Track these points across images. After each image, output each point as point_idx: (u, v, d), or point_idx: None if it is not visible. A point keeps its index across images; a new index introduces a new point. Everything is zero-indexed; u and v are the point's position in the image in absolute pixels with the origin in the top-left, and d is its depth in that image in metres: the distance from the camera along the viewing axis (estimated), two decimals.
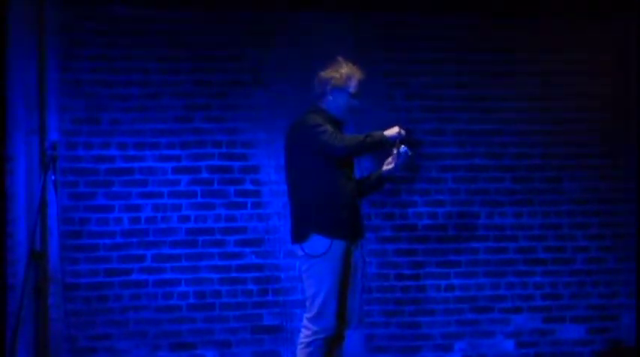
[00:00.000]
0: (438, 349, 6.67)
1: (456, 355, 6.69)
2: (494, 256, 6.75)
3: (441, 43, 6.68)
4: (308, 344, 5.04)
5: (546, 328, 6.79)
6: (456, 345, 6.70)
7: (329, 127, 5.01)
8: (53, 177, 5.86)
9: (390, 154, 5.25)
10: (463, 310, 6.71)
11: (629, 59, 6.86)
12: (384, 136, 5.06)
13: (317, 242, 5.01)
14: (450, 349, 6.69)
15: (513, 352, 6.74)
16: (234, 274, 6.51)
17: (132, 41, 6.37)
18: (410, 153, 5.20)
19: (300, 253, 5.08)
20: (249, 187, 6.55)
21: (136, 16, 6.36)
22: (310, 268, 5.04)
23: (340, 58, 5.19)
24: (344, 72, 5.13)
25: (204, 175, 6.49)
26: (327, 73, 5.15)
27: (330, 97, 5.14)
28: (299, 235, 5.08)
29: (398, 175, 5.32)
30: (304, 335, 5.06)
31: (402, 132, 5.09)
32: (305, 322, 5.07)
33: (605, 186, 6.86)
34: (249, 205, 6.54)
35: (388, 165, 5.25)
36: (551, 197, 6.81)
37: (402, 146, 5.16)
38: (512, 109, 6.75)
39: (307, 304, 5.08)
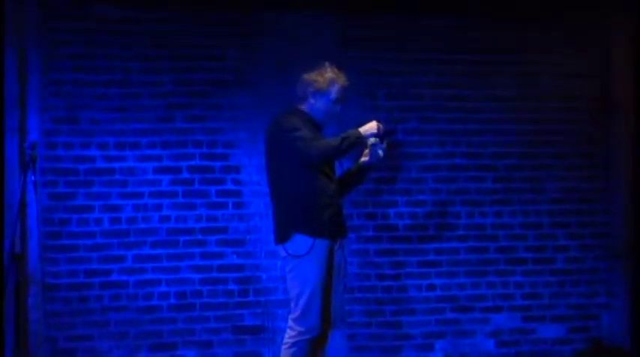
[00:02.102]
0: (419, 349, 6.68)
1: (437, 354, 6.70)
2: (474, 256, 6.77)
3: (424, 43, 6.70)
4: (292, 344, 5.03)
5: (527, 327, 6.82)
6: (437, 344, 6.71)
7: (304, 132, 4.98)
8: (33, 177, 5.81)
9: (364, 147, 5.25)
10: (444, 309, 6.72)
11: (609, 60, 6.90)
12: (361, 135, 5.03)
13: (300, 242, 5.01)
14: (431, 348, 6.70)
15: (494, 352, 6.77)
16: (215, 275, 6.49)
17: (113, 41, 6.34)
18: (383, 147, 5.18)
19: (283, 253, 5.08)
20: (230, 187, 6.54)
21: (118, 16, 6.34)
22: (294, 268, 5.03)
23: (326, 63, 5.17)
24: (327, 77, 5.11)
25: (185, 175, 6.48)
26: (310, 76, 5.13)
27: (312, 101, 5.13)
28: (282, 236, 5.07)
29: (377, 164, 5.29)
30: (289, 336, 5.05)
31: (381, 127, 5.06)
32: (290, 322, 5.06)
33: (585, 186, 6.90)
34: (230, 205, 6.53)
35: (365, 156, 5.26)
36: (531, 197, 6.84)
37: (375, 143, 5.15)
38: (493, 109, 6.78)
39: (292, 304, 5.08)
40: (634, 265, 6.88)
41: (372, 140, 5.14)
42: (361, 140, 5.04)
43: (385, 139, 5.19)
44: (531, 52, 6.81)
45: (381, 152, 5.18)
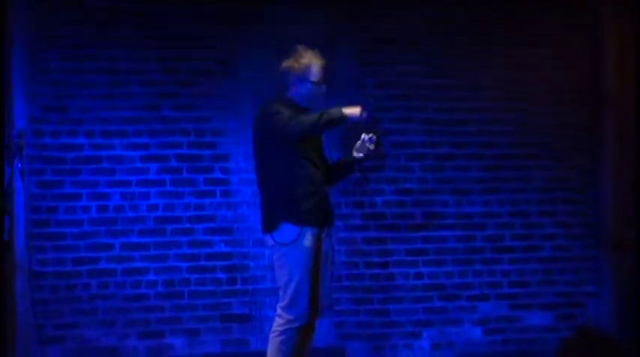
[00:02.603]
0: (407, 337, 6.70)
1: (424, 342, 6.72)
2: (462, 244, 6.79)
3: (413, 33, 6.69)
4: (281, 333, 5.03)
5: (513, 315, 6.84)
6: (424, 332, 6.73)
7: (286, 112, 4.96)
8: (20, 165, 5.80)
9: (357, 139, 5.23)
10: (431, 297, 6.74)
11: (598, 50, 6.91)
12: (343, 114, 4.95)
13: (287, 231, 5.00)
14: (419, 336, 6.72)
15: (481, 339, 6.79)
16: (203, 263, 6.50)
17: (101, 29, 6.32)
18: (374, 140, 5.16)
19: (270, 242, 5.07)
20: (218, 175, 6.53)
21: (107, 5, 6.31)
22: (282, 257, 5.03)
23: (300, 47, 5.14)
24: (303, 62, 5.08)
25: (173, 163, 6.47)
26: (287, 64, 5.11)
27: (295, 88, 5.11)
28: (269, 225, 5.06)
29: (369, 157, 5.27)
30: (277, 324, 5.05)
31: (364, 114, 5.02)
32: (278, 310, 5.06)
33: (573, 175, 6.91)
34: (218, 193, 6.53)
35: (357, 152, 5.25)
36: (518, 185, 6.85)
37: (365, 135, 5.13)
38: (481, 98, 6.78)
39: (280, 293, 5.07)
40: (620, 253, 6.90)
41: (365, 138, 5.12)
42: (342, 119, 4.96)
43: (376, 133, 5.17)
44: (520, 42, 6.81)
45: (370, 145, 5.16)
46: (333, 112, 4.95)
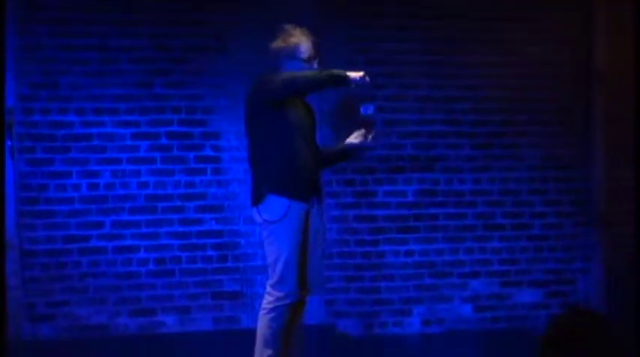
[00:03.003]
0: (397, 314, 6.72)
1: (414, 319, 6.75)
2: (453, 222, 6.80)
3: (404, 8, 6.67)
4: (270, 310, 5.02)
5: (504, 293, 6.87)
6: (414, 310, 6.75)
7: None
8: (10, 143, 5.77)
9: (355, 127, 5.21)
10: (422, 275, 6.76)
11: (590, 26, 6.90)
12: (345, 73, 4.91)
13: (274, 205, 4.96)
14: (409, 313, 6.75)
15: (471, 316, 6.82)
16: (193, 241, 6.49)
17: (91, 5, 6.27)
18: (372, 114, 5.14)
19: (258, 220, 5.04)
20: (208, 153, 6.51)
21: None
22: (270, 234, 5.01)
23: (287, 26, 5.10)
24: (292, 41, 5.05)
25: (164, 141, 6.45)
26: (276, 44, 5.08)
27: (286, 67, 5.09)
28: (256, 197, 5.02)
29: (364, 147, 5.25)
30: (267, 301, 5.04)
31: (367, 79, 5.01)
32: (268, 288, 5.05)
33: (564, 153, 6.93)
34: (208, 171, 6.52)
35: (355, 138, 5.22)
36: (510, 163, 6.86)
37: (364, 107, 5.11)
38: (473, 75, 6.77)
39: (269, 270, 5.07)
40: (610, 230, 6.94)
41: (363, 112, 5.09)
42: (344, 78, 4.94)
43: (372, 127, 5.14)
44: (512, 18, 6.79)
45: (368, 121, 5.13)
46: (336, 71, 4.94)
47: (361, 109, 5.21)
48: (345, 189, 6.66)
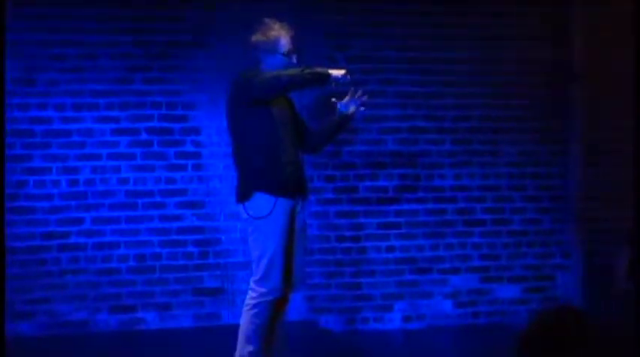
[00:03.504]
0: (378, 310, 6.73)
1: (395, 315, 6.76)
2: (433, 218, 6.82)
3: (383, 5, 6.67)
4: (254, 306, 5.03)
5: (484, 288, 6.90)
6: (395, 305, 6.76)
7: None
8: None
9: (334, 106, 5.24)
10: (403, 271, 6.77)
11: (568, 23, 6.93)
12: (327, 71, 4.97)
13: (261, 202, 4.98)
14: (390, 309, 6.76)
15: (452, 312, 6.84)
16: (174, 237, 6.48)
17: (70, 0, 6.24)
18: (349, 107, 5.16)
19: (244, 215, 5.06)
20: (189, 148, 6.50)
21: None
22: (255, 230, 5.02)
23: (267, 20, 5.12)
24: (272, 35, 5.08)
25: (144, 136, 6.43)
26: (256, 38, 5.10)
27: (266, 61, 5.10)
28: (242, 195, 5.04)
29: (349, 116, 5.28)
30: (250, 297, 5.05)
31: (348, 77, 5.04)
32: (251, 284, 5.06)
33: (543, 149, 6.95)
34: (189, 167, 6.50)
35: (345, 107, 5.25)
36: (490, 159, 6.88)
37: (338, 103, 5.13)
38: (453, 71, 6.79)
39: (253, 266, 5.07)
40: (588, 226, 6.97)
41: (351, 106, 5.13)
42: (325, 75, 4.96)
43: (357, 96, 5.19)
44: (492, 14, 6.81)
45: (351, 107, 5.17)
46: (317, 68, 4.95)
47: (339, 106, 5.22)
48: (326, 185, 6.67)
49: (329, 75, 4.98)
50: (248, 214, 5.02)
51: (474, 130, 6.84)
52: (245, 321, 5.07)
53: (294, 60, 5.11)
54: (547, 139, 6.95)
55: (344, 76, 4.99)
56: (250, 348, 5.04)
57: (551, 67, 6.93)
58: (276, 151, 5.00)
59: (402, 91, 6.74)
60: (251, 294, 5.07)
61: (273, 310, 5.09)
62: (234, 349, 5.09)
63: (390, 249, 6.76)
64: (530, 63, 6.90)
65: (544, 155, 6.95)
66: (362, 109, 5.29)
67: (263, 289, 5.03)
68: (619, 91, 6.87)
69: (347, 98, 5.25)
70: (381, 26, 6.68)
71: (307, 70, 4.94)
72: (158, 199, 6.45)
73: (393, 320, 6.75)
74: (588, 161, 6.94)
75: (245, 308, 5.10)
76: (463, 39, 6.78)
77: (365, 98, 5.25)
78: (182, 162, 6.48)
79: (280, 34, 5.08)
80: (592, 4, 6.89)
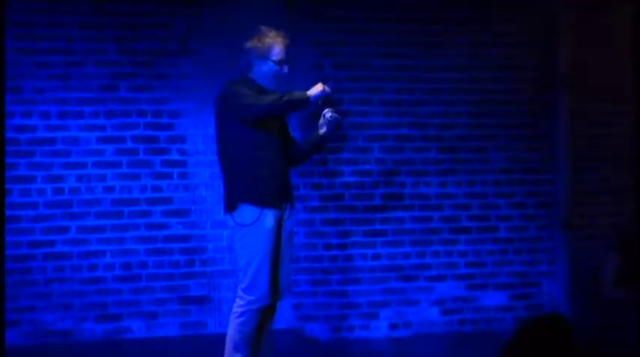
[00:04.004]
0: (365, 317, 6.73)
1: (381, 322, 6.76)
2: (419, 225, 6.82)
3: (370, 13, 6.68)
4: (241, 314, 5.02)
5: (470, 295, 6.90)
6: (381, 313, 6.76)
7: (248, 93, 4.96)
8: None
9: (320, 116, 5.22)
10: (389, 278, 6.77)
11: (553, 30, 6.96)
12: (306, 95, 4.97)
13: (247, 211, 4.99)
14: (376, 317, 6.75)
15: (438, 319, 6.84)
16: (160, 245, 6.45)
17: (56, 8, 6.22)
18: (336, 116, 5.15)
19: (231, 223, 5.06)
20: (175, 157, 6.48)
21: None
22: (242, 238, 5.01)
23: (263, 27, 5.13)
24: (266, 41, 5.08)
25: (130, 144, 6.41)
26: (250, 43, 5.11)
27: (257, 67, 5.10)
28: (229, 205, 5.05)
29: (331, 135, 5.26)
30: (238, 305, 5.04)
31: (326, 89, 5.03)
32: (239, 292, 5.05)
33: (529, 156, 6.97)
34: (175, 175, 6.49)
35: (321, 128, 5.24)
36: (476, 167, 6.89)
37: (328, 112, 5.12)
38: (439, 79, 6.80)
39: (240, 274, 5.07)
40: (574, 233, 6.99)
41: (327, 115, 5.11)
42: (305, 99, 4.97)
43: (335, 107, 5.16)
44: (477, 22, 6.84)
45: (330, 117, 5.15)
46: (297, 93, 4.96)
47: (326, 115, 5.20)
48: (312, 192, 6.66)
49: (308, 99, 4.98)
50: (234, 221, 5.02)
51: (460, 137, 6.86)
52: (232, 329, 5.06)
53: (285, 70, 5.12)
54: (534, 146, 6.97)
55: (322, 91, 4.99)
56: (238, 356, 5.03)
57: (538, 73, 6.96)
58: (262, 163, 5.01)
59: (389, 98, 6.75)
60: (238, 301, 5.07)
61: (260, 318, 5.08)
62: None
63: (376, 256, 6.76)
64: (517, 70, 6.92)
65: (531, 162, 6.97)
66: (334, 118, 5.21)
67: (250, 297, 5.02)
68: (607, 98, 6.92)
69: (321, 119, 5.21)
70: (368, 34, 6.69)
71: (286, 97, 4.93)
72: (144, 207, 6.43)
73: (380, 328, 6.75)
74: (575, 168, 6.97)
75: (232, 316, 5.09)
76: (450, 46, 6.79)
77: (337, 115, 5.19)
78: (168, 170, 6.47)
79: (275, 42, 5.08)
80: (578, 10, 6.91)
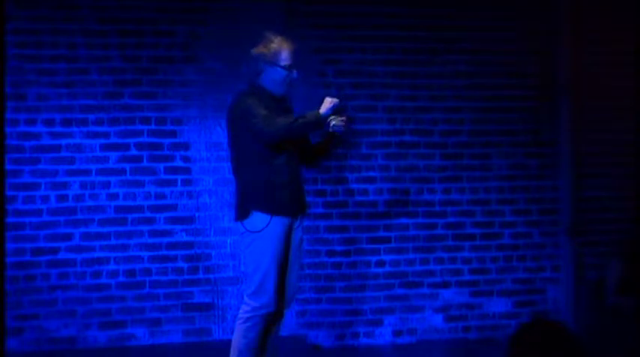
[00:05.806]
0: (369, 324, 6.72)
1: (385, 329, 6.75)
2: (423, 232, 6.81)
3: (372, 19, 6.69)
4: (246, 320, 5.04)
5: (474, 302, 6.89)
6: (385, 320, 6.76)
7: (261, 112, 4.95)
8: None
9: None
10: (393, 285, 6.77)
11: (557, 38, 6.96)
12: (319, 115, 4.98)
13: (257, 219, 5.01)
14: (380, 324, 6.75)
15: (442, 326, 6.83)
16: (164, 252, 6.45)
17: (59, 15, 6.24)
18: (339, 126, 5.15)
19: (241, 229, 5.08)
20: (179, 163, 6.49)
21: None
22: (250, 244, 5.03)
23: (269, 34, 5.15)
24: (273, 47, 5.10)
25: (134, 151, 6.41)
26: (257, 51, 5.12)
27: (266, 74, 5.11)
28: (240, 213, 5.07)
29: (342, 138, 5.27)
30: (243, 311, 5.06)
31: (335, 101, 5.03)
32: (245, 298, 5.07)
33: (533, 163, 6.97)
34: (179, 182, 6.49)
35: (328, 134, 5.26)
36: (479, 173, 6.89)
37: (332, 121, 5.12)
38: (443, 86, 6.81)
39: (247, 280, 5.09)
40: (578, 240, 6.98)
41: (332, 121, 5.12)
42: (319, 119, 4.99)
43: (343, 114, 5.17)
44: (480, 29, 6.84)
45: (333, 127, 5.15)
46: (309, 115, 4.96)
47: (330, 124, 5.20)
48: (316, 199, 6.66)
49: (320, 118, 4.97)
50: (245, 228, 5.04)
51: (464, 144, 6.86)
52: (237, 335, 5.08)
53: (294, 74, 5.13)
54: (537, 152, 6.96)
55: (332, 104, 4.99)
56: None
57: (540, 80, 6.96)
58: (275, 172, 5.03)
59: (392, 105, 6.76)
60: (244, 307, 5.09)
61: (265, 325, 5.09)
62: None
63: (380, 263, 6.75)
64: (520, 77, 6.92)
65: (534, 168, 6.97)
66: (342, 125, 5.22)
67: (256, 303, 5.03)
68: (608, 104, 6.92)
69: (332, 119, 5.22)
70: (371, 41, 6.69)
71: (301, 120, 4.94)
72: (148, 214, 6.43)
73: (384, 335, 6.74)
74: (579, 174, 6.96)
75: (238, 322, 5.11)
76: (452, 53, 6.80)
77: (345, 118, 5.20)
78: (172, 177, 6.47)
79: (282, 48, 5.10)
80: (578, 16, 6.91)
